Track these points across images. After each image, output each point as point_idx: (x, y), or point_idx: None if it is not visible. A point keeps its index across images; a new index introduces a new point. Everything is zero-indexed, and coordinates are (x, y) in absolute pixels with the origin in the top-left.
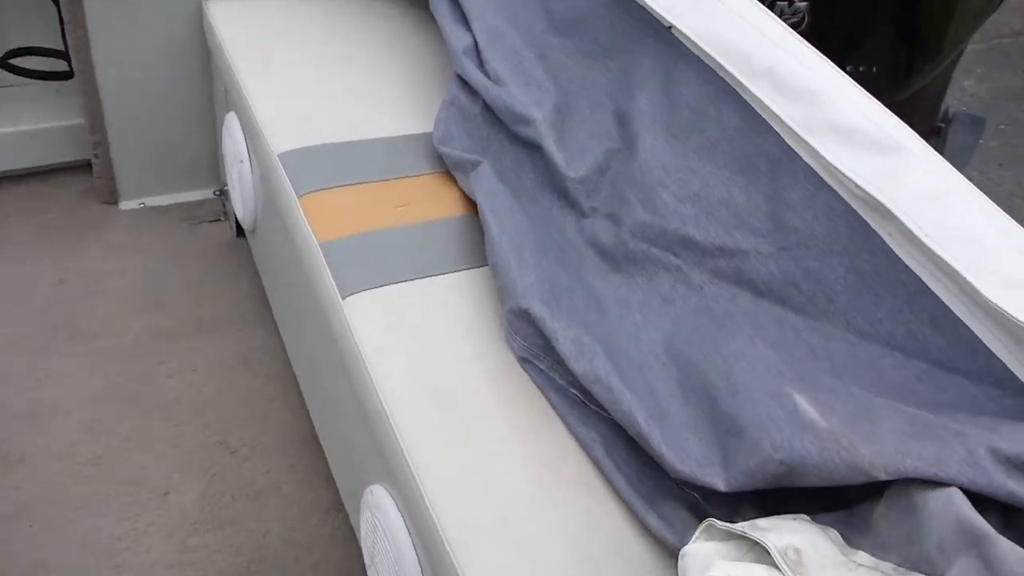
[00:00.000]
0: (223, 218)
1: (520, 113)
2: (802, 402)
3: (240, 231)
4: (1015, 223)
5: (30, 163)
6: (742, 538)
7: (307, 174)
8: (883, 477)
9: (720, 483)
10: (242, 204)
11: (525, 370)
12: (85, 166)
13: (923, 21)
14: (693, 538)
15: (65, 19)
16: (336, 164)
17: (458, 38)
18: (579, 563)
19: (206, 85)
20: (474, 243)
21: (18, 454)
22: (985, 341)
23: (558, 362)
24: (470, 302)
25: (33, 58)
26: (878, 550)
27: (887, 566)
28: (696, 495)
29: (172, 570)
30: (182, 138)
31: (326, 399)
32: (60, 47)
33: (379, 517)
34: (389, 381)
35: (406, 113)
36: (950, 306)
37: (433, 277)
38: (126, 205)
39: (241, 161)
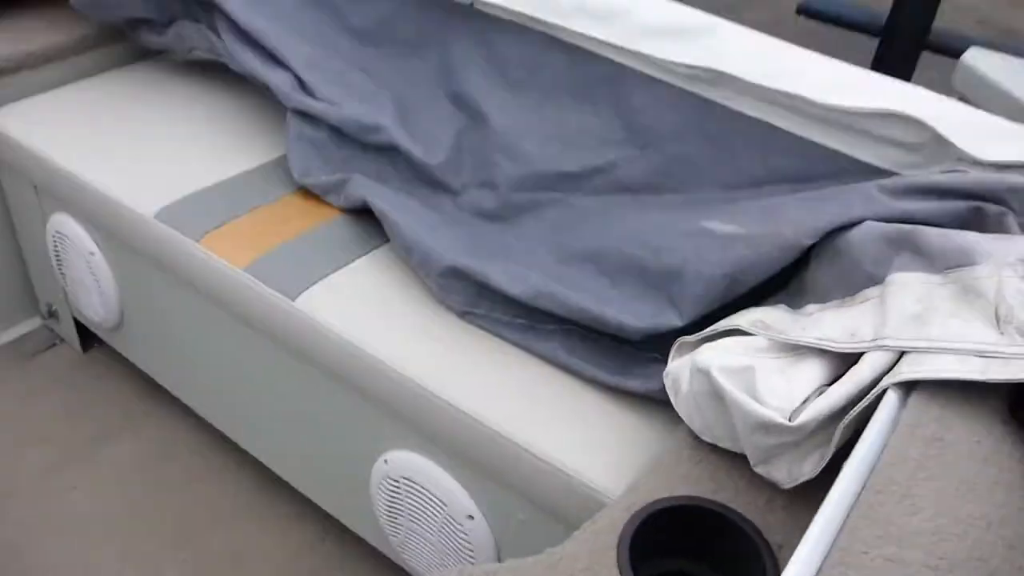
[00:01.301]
0: (59, 342)
1: (368, 124)
2: (718, 225)
3: (87, 345)
4: (822, 56)
5: None
6: (711, 340)
7: (191, 221)
8: (808, 242)
9: (676, 319)
10: (100, 300)
11: (469, 322)
12: None
13: None
14: (669, 361)
15: None
16: (208, 207)
17: (279, 78)
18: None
19: None
20: (365, 231)
21: None
22: (826, 144)
23: (496, 303)
24: (392, 278)
25: None
26: (820, 298)
27: (832, 303)
28: (658, 355)
29: None
30: None
31: (293, 415)
32: None
33: (414, 475)
34: (389, 349)
35: (238, 154)
36: (793, 131)
37: (353, 262)
38: None
39: (92, 253)
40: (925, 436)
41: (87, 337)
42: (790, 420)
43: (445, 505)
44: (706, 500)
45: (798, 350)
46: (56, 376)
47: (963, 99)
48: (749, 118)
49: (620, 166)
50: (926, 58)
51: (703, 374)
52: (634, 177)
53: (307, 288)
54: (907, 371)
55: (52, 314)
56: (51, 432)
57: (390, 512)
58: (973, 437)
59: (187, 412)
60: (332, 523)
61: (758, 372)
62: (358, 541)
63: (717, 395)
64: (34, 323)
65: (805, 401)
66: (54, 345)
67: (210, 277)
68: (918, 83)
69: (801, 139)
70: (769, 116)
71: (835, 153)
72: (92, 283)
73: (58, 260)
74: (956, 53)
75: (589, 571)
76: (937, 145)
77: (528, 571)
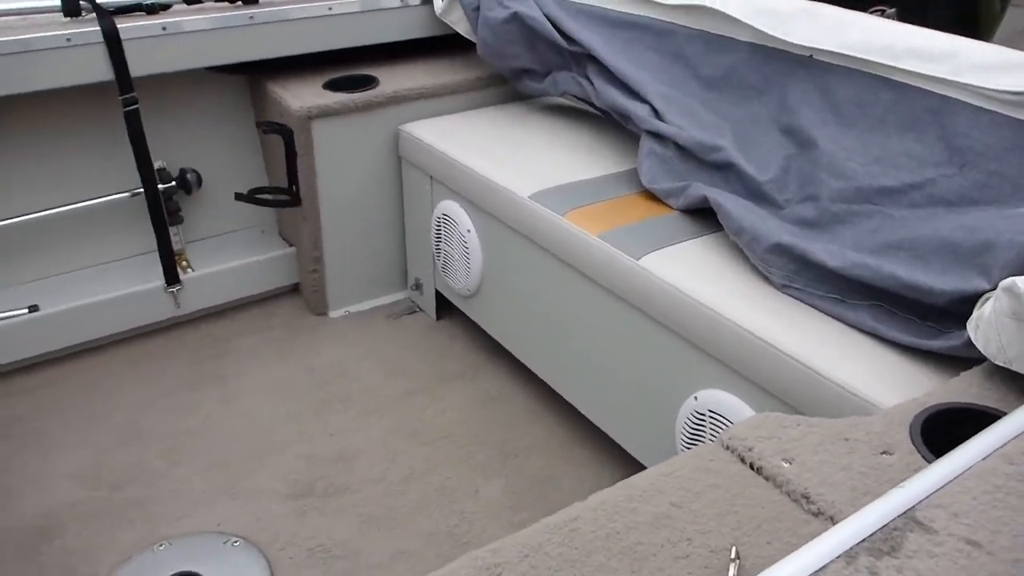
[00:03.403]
0: (417, 310)
1: (711, 144)
2: None
3: (439, 315)
4: None
5: (249, 292)
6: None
7: (557, 202)
8: None
9: (985, 283)
10: (467, 271)
11: (787, 294)
12: (287, 292)
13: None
14: (974, 312)
15: (301, 165)
16: (570, 195)
17: (638, 108)
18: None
19: (396, 202)
20: (696, 224)
21: (343, 485)
22: None
23: (812, 278)
24: (718, 256)
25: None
26: None
27: None
28: (958, 328)
29: None
30: (378, 248)
31: (616, 363)
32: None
33: (720, 407)
34: (717, 300)
35: (592, 165)
36: None
37: (684, 241)
38: (334, 314)
39: (468, 231)
40: None
41: (440, 308)
42: None
43: None
44: (992, 408)
45: None
46: (415, 333)
47: None
48: None
49: (938, 183)
50: None
51: (1008, 292)
52: (951, 191)
53: (648, 253)
54: None
55: (417, 287)
56: (410, 369)
57: (691, 443)
58: None
59: (514, 370)
60: (627, 467)
61: None
62: None
63: (1018, 314)
64: (401, 294)
65: None
66: (413, 312)
67: (570, 243)
68: None
69: None
70: None
71: None
72: (463, 256)
73: (437, 239)
74: None
75: (885, 433)
76: None
77: (836, 425)
